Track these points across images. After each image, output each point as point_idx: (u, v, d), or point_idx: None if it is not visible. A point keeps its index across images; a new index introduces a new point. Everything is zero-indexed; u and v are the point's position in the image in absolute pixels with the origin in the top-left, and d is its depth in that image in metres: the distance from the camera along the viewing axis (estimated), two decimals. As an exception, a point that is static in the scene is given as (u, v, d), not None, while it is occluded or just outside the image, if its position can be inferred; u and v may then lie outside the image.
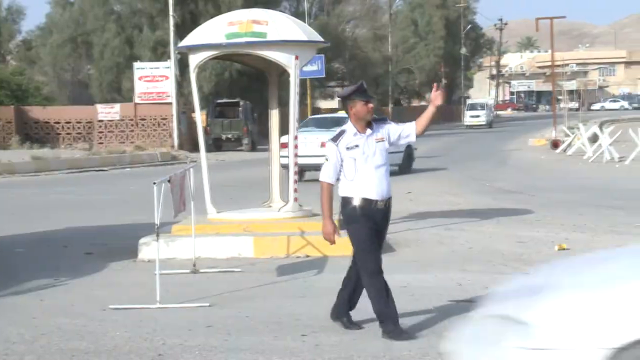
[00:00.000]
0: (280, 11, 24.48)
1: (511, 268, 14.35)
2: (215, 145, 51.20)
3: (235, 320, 11.31)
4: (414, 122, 10.41)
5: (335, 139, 9.81)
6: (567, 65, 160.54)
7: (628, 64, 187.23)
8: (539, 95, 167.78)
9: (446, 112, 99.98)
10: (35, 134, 56.07)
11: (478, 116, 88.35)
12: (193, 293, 12.81)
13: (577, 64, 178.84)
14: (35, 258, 16.38)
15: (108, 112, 57.42)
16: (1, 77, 65.46)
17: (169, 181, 12.99)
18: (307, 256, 15.84)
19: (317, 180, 27.94)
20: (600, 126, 49.34)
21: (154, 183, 12.48)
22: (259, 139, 50.80)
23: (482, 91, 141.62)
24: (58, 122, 57.89)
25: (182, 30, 43.27)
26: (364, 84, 10.31)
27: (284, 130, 18.41)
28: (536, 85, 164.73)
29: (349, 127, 9.97)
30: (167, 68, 55.48)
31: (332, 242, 10.31)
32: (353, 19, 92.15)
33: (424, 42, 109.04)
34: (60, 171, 41.17)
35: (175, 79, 54.41)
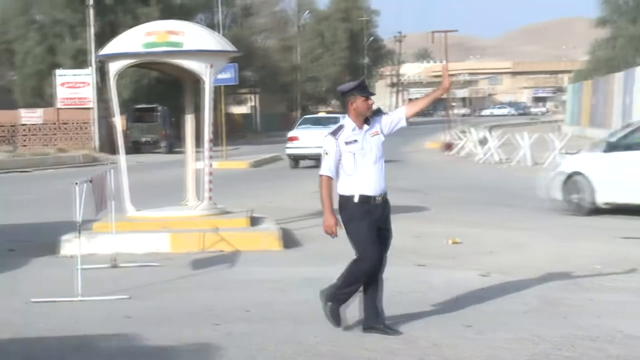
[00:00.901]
0: (196, 22, 24.38)
1: (407, 260, 14.43)
2: (135, 147, 50.94)
3: (153, 312, 11.25)
4: (403, 107, 10.18)
5: (334, 134, 9.44)
6: (459, 74, 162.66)
7: (513, 74, 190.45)
8: (435, 101, 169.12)
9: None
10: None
11: None
12: (113, 286, 12.68)
13: (468, 74, 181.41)
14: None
15: (31, 116, 56.96)
16: None
17: (90, 181, 12.88)
18: (221, 251, 15.81)
19: (309, 167, 27.93)
20: (490, 130, 49.72)
21: (76, 183, 12.36)
22: (175, 142, 50.65)
23: (383, 98, 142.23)
24: (-18, 126, 57.09)
25: (102, 39, 42.83)
26: (365, 80, 9.99)
27: (198, 133, 18.17)
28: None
29: (347, 122, 9.58)
30: (88, 75, 55.40)
31: (334, 234, 9.83)
32: (264, 30, 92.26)
33: (329, 53, 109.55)
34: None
35: (96, 85, 54.27)
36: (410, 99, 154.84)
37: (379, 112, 9.65)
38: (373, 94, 9.60)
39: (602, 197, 20.70)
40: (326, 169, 9.46)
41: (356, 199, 9.46)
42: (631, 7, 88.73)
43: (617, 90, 52.74)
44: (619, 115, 51.51)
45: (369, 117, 9.54)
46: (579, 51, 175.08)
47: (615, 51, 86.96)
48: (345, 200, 9.54)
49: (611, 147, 21.52)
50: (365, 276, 9.59)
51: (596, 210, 20.93)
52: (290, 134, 39.88)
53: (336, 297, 9.77)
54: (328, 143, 9.44)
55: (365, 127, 9.46)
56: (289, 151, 39.73)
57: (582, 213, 20.91)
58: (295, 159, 39.86)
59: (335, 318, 9.68)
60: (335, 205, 9.66)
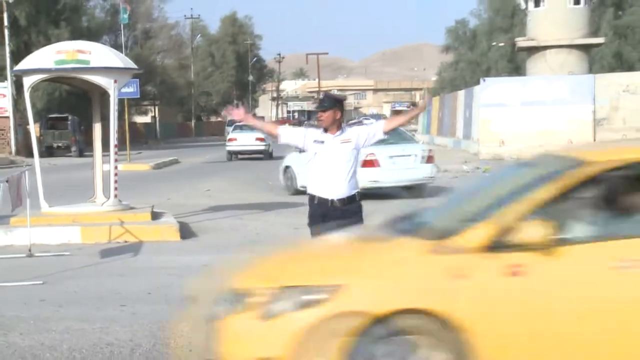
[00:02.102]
0: (102, 43, 24.13)
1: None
2: (48, 152, 50.08)
3: (65, 295, 11.08)
4: (383, 121, 9.31)
5: (308, 127, 8.92)
6: (330, 90, 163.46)
7: (375, 90, 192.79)
8: (309, 113, 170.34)
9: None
10: None
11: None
12: (28, 273, 12.46)
13: (338, 90, 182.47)
14: None
15: (-47, 123, 55.76)
16: None
17: (7, 181, 12.72)
18: (126, 242, 15.65)
19: (246, 159, 27.59)
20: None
21: (-7, 185, 12.20)
22: (85, 147, 49.97)
23: (265, 110, 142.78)
24: None
25: (17, 56, 42.29)
26: (322, 96, 9.28)
27: (105, 139, 17.93)
28: (307, 105, 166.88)
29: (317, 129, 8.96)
30: (5, 88, 54.36)
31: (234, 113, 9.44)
32: (162, 51, 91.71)
33: (219, 71, 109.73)
34: None
35: (12, 97, 53.40)
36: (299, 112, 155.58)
37: (360, 122, 9.21)
38: (324, 109, 8.71)
39: (300, 183, 23.65)
40: (285, 129, 9.31)
41: (315, 200, 8.81)
42: (469, 37, 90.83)
43: (460, 105, 53.45)
44: (462, 126, 52.30)
45: (346, 125, 9.12)
46: (429, 72, 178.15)
47: (458, 73, 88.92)
48: (309, 200, 8.98)
49: (235, 129, 26.97)
50: None
51: (299, 191, 22.91)
52: (230, 136, 46.90)
53: None
54: (299, 134, 9.11)
55: (338, 132, 8.73)
56: (229, 149, 46.33)
57: (290, 193, 24.70)
58: (234, 154, 45.99)
59: None
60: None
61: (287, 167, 25.74)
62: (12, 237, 15.05)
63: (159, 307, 10.14)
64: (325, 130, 8.71)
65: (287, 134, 9.14)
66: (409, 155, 23.60)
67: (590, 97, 41.10)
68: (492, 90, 43.03)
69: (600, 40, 58.12)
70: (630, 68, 63.10)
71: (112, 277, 12.35)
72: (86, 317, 9.79)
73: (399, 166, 23.22)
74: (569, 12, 53.75)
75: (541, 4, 54.49)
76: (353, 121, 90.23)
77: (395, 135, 21.33)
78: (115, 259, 13.96)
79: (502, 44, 74.45)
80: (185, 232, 16.71)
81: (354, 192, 8.71)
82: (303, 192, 22.70)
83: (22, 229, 15.10)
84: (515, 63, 72.76)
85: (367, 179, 21.44)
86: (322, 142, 8.65)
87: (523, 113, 41.40)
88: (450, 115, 57.90)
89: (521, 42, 57.72)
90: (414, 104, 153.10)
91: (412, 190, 23.36)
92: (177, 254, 14.39)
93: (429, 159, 23.41)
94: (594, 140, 40.49)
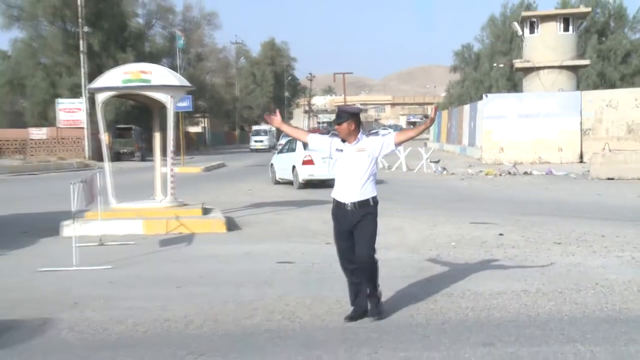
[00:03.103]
0: (161, 65, 24.30)
1: (319, 240, 14.40)
2: (116, 157, 50.17)
3: (130, 278, 11.12)
4: (394, 134, 8.70)
5: (334, 136, 8.56)
6: (353, 104, 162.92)
7: (393, 104, 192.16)
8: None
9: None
10: (-17, 149, 54.61)
11: (261, 141, 72.97)
12: (100, 259, 12.53)
13: (361, 104, 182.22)
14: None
15: (38, 133, 56.28)
16: (-43, 108, 64.07)
17: (82, 181, 12.78)
18: (180, 233, 15.67)
19: (250, 172, 27.84)
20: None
21: (72, 183, 12.28)
22: (147, 153, 50.13)
23: (298, 121, 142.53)
24: (1, 140, 56.27)
25: (91, 77, 42.36)
26: (339, 109, 8.57)
27: (163, 146, 17.99)
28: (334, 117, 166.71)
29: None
30: (81, 103, 54.88)
31: (270, 119, 8.97)
32: (211, 71, 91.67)
33: (259, 88, 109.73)
34: (2, 174, 39.87)
35: (87, 110, 53.74)
36: (318, 123, 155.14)
37: (376, 133, 8.88)
38: (339, 123, 8.33)
39: (278, 176, 30.01)
40: (313, 136, 8.89)
41: (333, 203, 8.47)
42: (474, 59, 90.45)
43: (465, 117, 53.33)
44: (467, 135, 52.12)
45: (365, 135, 8.59)
46: (439, 89, 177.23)
47: (464, 90, 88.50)
48: (333, 202, 8.52)
49: (278, 151, 32.41)
50: (343, 268, 8.59)
51: (277, 182, 29.91)
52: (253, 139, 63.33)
53: None
54: (325, 140, 8.66)
55: (355, 142, 8.34)
56: (253, 146, 63.11)
57: (273, 183, 30.10)
58: (256, 150, 55.09)
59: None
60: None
61: (271, 165, 31.40)
62: (86, 229, 15.06)
63: (209, 289, 10.19)
64: (344, 140, 8.41)
65: (315, 141, 8.90)
66: (264, 136, 29.90)
67: (577, 110, 41.04)
68: (493, 104, 43.01)
69: (586, 62, 57.89)
70: (612, 86, 62.70)
71: (169, 263, 12.40)
72: (148, 296, 9.85)
73: (328, 164, 24.68)
74: (560, 38, 53.56)
75: (535, 30, 54.34)
76: (374, 131, 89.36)
77: None
78: (172, 247, 14.00)
79: (502, 65, 73.97)
80: (231, 225, 16.70)
81: (367, 197, 8.29)
82: (280, 183, 29.65)
83: (94, 222, 15.28)
84: (513, 81, 72.28)
85: (307, 173, 27.28)
86: (342, 150, 8.35)
87: (520, 124, 41.40)
88: (457, 126, 57.78)
89: (518, 64, 57.48)
90: (425, 116, 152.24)
91: None
92: (223, 243, 14.39)
93: (274, 145, 32.16)
94: (581, 147, 40.44)
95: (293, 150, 28.55)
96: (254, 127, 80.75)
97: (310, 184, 27.32)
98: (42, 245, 14.52)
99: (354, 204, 8.23)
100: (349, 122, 8.27)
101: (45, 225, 16.49)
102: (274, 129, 74.17)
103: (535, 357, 7.04)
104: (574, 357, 7.06)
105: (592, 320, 8.43)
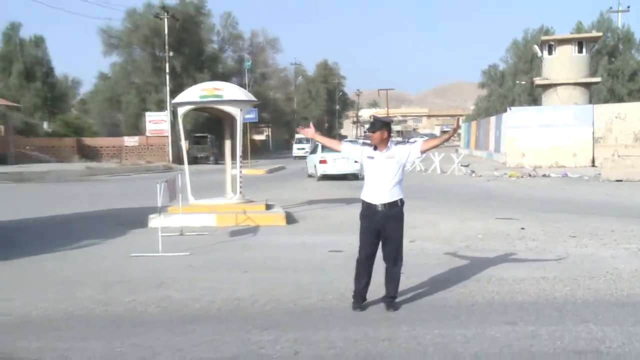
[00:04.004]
0: (231, 83, 24.54)
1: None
2: (193, 161, 50.62)
3: (205, 263, 11.20)
4: (421, 142, 8.34)
5: (365, 145, 8.37)
6: (395, 116, 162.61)
7: (429, 116, 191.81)
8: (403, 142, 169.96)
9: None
10: (87, 154, 55.26)
11: (303, 148, 65.73)
12: (180, 247, 12.66)
13: (401, 116, 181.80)
14: (86, 227, 16.06)
15: (131, 141, 57.30)
16: (68, 121, 64.86)
17: (166, 181, 12.93)
18: (247, 225, 15.73)
19: (337, 179, 28.27)
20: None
21: (157, 183, 12.45)
22: (219, 157, 50.48)
23: (348, 131, 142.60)
24: (101, 147, 57.22)
25: (174, 93, 42.89)
26: (372, 119, 8.32)
27: (233, 151, 18.10)
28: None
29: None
30: (165, 115, 55.58)
31: (305, 131, 8.67)
32: (273, 88, 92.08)
33: (314, 102, 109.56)
34: (102, 175, 40.49)
35: (170, 122, 54.36)
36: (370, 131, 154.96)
37: (405, 142, 8.56)
38: (373, 129, 8.06)
39: (308, 172, 33.77)
40: (346, 146, 8.54)
41: (364, 203, 8.08)
42: (499, 77, 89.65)
43: (492, 127, 52.89)
44: (493, 142, 51.66)
45: (395, 144, 8.37)
46: (468, 103, 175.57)
47: (490, 103, 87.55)
48: (362, 203, 8.14)
49: (310, 153, 36.01)
50: (360, 261, 8.13)
51: (309, 176, 34.16)
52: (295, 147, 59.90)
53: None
54: (356, 149, 8.37)
55: (385, 150, 8.04)
56: (295, 153, 60.49)
57: (307, 176, 34.09)
58: (299, 157, 54.87)
59: (354, 306, 8.19)
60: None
61: (306, 163, 36.76)
62: (169, 221, 15.21)
63: (271, 273, 10.22)
64: (375, 147, 8.07)
65: (347, 150, 8.62)
66: (344, 158, 29.58)
67: (590, 121, 40.47)
68: (516, 116, 42.59)
69: (597, 79, 56.89)
70: (621, 100, 61.46)
71: (238, 251, 12.44)
72: (220, 279, 9.90)
73: (338, 163, 31.13)
74: (574, 58, 52.77)
75: (553, 52, 53.57)
76: (412, 139, 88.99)
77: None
78: (240, 238, 14.05)
79: (523, 82, 73.11)
80: (289, 219, 16.74)
81: (396, 199, 7.98)
82: (309, 176, 31.63)
83: (176, 215, 15.45)
84: (533, 96, 71.30)
85: (322, 169, 31.74)
86: (373, 157, 8.02)
87: (539, 133, 40.92)
88: (484, 135, 57.29)
89: (538, 81, 56.70)
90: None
91: (348, 176, 31.69)
92: (283, 235, 14.41)
93: (356, 161, 35.24)
94: (593, 153, 39.86)
95: (315, 152, 33.38)
96: (297, 136, 74.83)
97: (326, 177, 31.94)
98: (132, 235, 14.69)
99: (384, 205, 7.93)
100: (382, 130, 8.01)
101: (135, 218, 16.69)
102: None
103: (553, 335, 6.97)
104: (587, 335, 6.98)
105: (603, 303, 8.32)
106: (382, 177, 7.99)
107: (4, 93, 59.24)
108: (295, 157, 66.86)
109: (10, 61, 64.62)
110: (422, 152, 8.32)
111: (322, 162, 31.69)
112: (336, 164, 31.10)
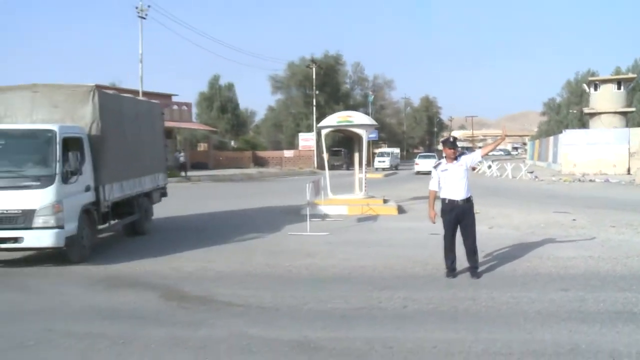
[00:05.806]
0: (359, 112, 24.62)
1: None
2: (331, 167, 50.58)
3: (341, 240, 11.21)
4: (480, 150, 8.44)
5: (435, 167, 8.20)
6: (477, 136, 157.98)
7: (505, 137, 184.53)
8: (469, 149, 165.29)
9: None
10: (259, 162, 56.71)
11: (384, 161, 54.58)
12: (323, 229, 12.73)
13: (482, 136, 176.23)
14: (258, 219, 16.47)
15: (288, 153, 58.18)
16: (247, 140, 66.78)
17: (312, 182, 13.09)
18: (370, 214, 15.62)
19: (424, 173, 28.65)
20: (492, 161, 47.25)
21: (307, 183, 12.67)
22: (350, 165, 50.53)
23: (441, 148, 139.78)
24: (268, 157, 58.31)
25: (319, 119, 43.30)
26: (449, 138, 8.27)
27: (360, 161, 17.99)
28: (467, 144, 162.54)
29: (443, 160, 8.15)
30: (312, 135, 55.98)
31: (433, 221, 8.22)
32: (389, 115, 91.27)
33: (419, 126, 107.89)
34: (269, 177, 41.50)
35: (315, 140, 54.87)
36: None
37: (464, 153, 8.62)
38: (451, 147, 8.05)
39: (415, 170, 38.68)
40: (431, 185, 8.14)
41: (446, 201, 7.95)
42: (556, 107, 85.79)
43: (551, 144, 50.47)
44: (551, 156, 49.24)
45: (457, 156, 8.04)
46: (533, 126, 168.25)
47: (549, 127, 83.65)
48: (442, 201, 8.01)
49: (419, 157, 41.80)
50: (446, 248, 8.04)
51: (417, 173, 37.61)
52: (417, 160, 47.31)
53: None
54: (432, 172, 8.16)
55: (455, 161, 7.98)
56: (377, 165, 52.79)
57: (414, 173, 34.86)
58: (382, 170, 51.10)
59: (447, 274, 8.03)
60: (438, 206, 8.07)
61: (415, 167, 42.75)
62: (315, 210, 15.15)
63: (388, 249, 10.08)
64: (447, 160, 8.01)
65: (435, 178, 8.08)
66: (429, 160, 34.93)
67: (626, 140, 37.99)
68: (569, 136, 40.56)
69: (632, 109, 53.52)
70: (651, 124, 57.50)
71: (363, 232, 12.40)
72: (350, 252, 9.89)
73: (424, 165, 38.91)
74: (614, 93, 49.79)
75: (598, 89, 50.83)
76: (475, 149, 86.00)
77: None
78: (364, 223, 14.00)
79: (575, 111, 69.50)
80: (400, 210, 16.56)
81: (469, 195, 7.90)
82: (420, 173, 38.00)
83: (320, 206, 15.56)
84: (582, 122, 67.45)
85: (418, 168, 41.18)
86: (447, 170, 7.92)
87: (587, 149, 38.80)
88: (545, 150, 54.71)
89: (586, 110, 53.76)
90: (524, 143, 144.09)
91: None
92: (395, 221, 14.25)
93: (396, 165, 42.68)
94: (629, 164, 37.43)
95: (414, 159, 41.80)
96: (379, 150, 65.04)
97: (419, 173, 38.86)
98: (289, 219, 14.89)
99: (463, 200, 7.87)
100: (455, 149, 8.05)
101: (293, 209, 16.95)
102: (396, 151, 64.26)
103: (597, 299, 6.63)
104: (624, 300, 6.61)
105: (637, 277, 7.81)
106: (457, 180, 7.93)
107: (207, 122, 62.13)
108: (377, 168, 54.98)
109: (212, 100, 67.70)
110: (482, 156, 8.49)
111: (416, 164, 42.62)
112: (420, 166, 41.55)
